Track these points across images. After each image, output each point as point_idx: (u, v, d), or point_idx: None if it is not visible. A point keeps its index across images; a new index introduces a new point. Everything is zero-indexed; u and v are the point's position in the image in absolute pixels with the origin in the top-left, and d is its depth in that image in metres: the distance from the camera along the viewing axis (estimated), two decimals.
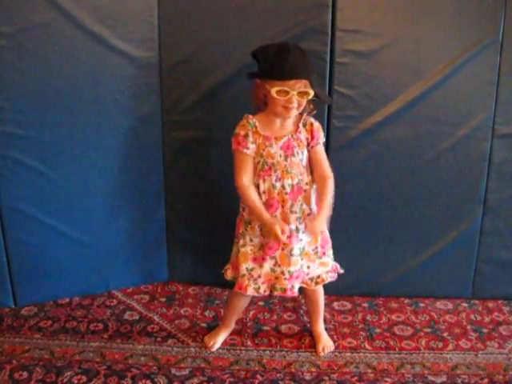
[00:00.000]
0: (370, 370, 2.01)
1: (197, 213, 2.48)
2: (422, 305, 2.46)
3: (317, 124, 2.00)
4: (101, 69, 2.20)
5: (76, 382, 1.92)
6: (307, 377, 1.97)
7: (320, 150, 2.01)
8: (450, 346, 2.16)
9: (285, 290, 1.99)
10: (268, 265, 1.99)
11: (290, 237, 1.93)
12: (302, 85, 1.83)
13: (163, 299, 2.50)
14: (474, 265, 2.45)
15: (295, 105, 1.86)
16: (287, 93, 1.83)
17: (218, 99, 2.28)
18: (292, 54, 1.82)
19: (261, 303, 2.45)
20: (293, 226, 1.96)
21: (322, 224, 1.94)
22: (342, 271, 2.12)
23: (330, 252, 2.11)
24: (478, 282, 2.48)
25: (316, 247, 2.05)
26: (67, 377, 1.94)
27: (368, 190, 2.35)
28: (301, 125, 1.97)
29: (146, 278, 2.61)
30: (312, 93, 1.85)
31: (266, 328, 2.28)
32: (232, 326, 2.21)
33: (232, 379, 1.95)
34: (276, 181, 1.95)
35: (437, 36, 2.17)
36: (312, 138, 1.98)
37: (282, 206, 1.96)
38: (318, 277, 2.07)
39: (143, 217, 2.49)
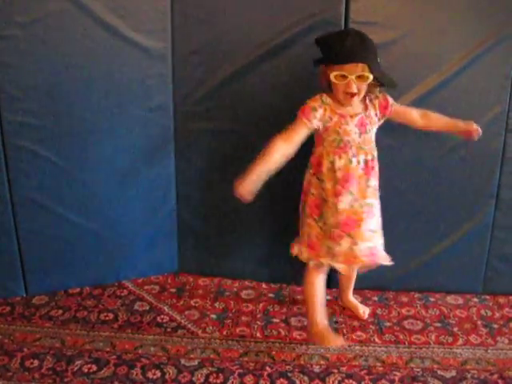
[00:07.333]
0: (378, 364, 2.01)
1: (208, 204, 2.48)
2: (432, 299, 2.46)
3: (381, 95, 2.02)
4: (113, 59, 2.20)
5: (86, 370, 1.93)
6: (316, 369, 1.97)
7: (398, 107, 2.06)
8: (460, 341, 2.15)
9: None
10: (346, 243, 1.97)
11: (366, 212, 1.98)
12: (359, 69, 1.84)
13: (173, 290, 2.50)
14: (486, 260, 2.43)
15: (355, 90, 1.87)
16: (345, 77, 1.85)
17: (230, 90, 2.27)
18: (350, 38, 1.83)
19: (271, 295, 2.45)
20: (369, 201, 1.99)
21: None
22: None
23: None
24: (489, 277, 2.46)
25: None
26: (77, 365, 1.95)
27: (380, 183, 2.33)
28: (368, 101, 2.00)
29: (157, 268, 2.62)
30: (371, 77, 1.86)
31: (275, 320, 2.28)
32: (325, 321, 2.07)
33: (241, 370, 1.96)
34: (352, 157, 1.97)
35: (452, 28, 2.15)
36: (381, 111, 2.02)
37: (359, 182, 1.98)
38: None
39: (154, 207, 2.49)
